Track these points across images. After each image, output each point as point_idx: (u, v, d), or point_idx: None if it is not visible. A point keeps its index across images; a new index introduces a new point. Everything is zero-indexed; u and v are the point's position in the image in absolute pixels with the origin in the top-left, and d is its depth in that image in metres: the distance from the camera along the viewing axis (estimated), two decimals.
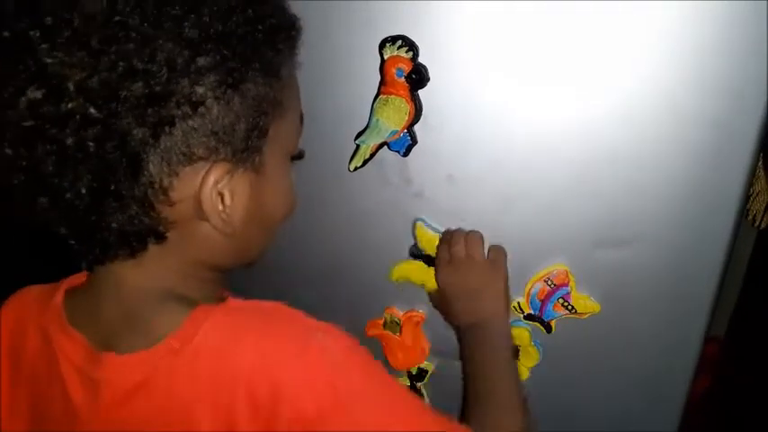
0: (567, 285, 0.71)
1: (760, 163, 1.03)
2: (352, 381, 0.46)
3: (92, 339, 0.50)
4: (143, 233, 0.46)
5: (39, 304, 0.54)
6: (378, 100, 0.68)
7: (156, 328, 0.47)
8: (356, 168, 0.72)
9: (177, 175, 0.43)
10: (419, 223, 0.73)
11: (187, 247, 0.48)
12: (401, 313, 0.78)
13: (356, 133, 0.71)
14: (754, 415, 1.32)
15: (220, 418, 0.45)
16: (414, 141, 0.70)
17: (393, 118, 0.68)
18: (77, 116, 0.40)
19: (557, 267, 0.71)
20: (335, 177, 0.73)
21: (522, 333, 0.74)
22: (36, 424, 0.54)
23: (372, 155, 0.71)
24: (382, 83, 0.67)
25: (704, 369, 0.76)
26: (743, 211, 0.67)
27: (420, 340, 0.79)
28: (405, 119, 0.68)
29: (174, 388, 0.46)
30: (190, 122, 0.42)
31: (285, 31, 0.48)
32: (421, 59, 0.66)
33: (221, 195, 0.46)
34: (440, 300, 0.74)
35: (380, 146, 0.71)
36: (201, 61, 0.42)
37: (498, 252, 0.71)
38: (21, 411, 0.55)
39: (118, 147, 0.41)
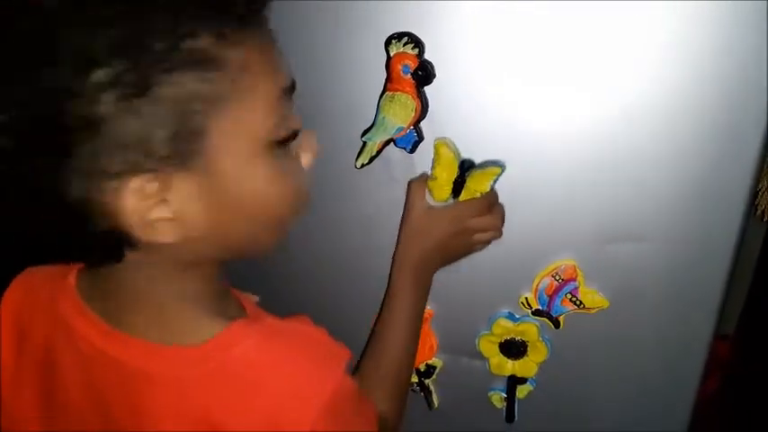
0: (574, 280, 0.71)
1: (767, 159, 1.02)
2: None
3: (103, 315, 0.51)
4: (111, 245, 0.46)
5: (48, 288, 0.55)
6: (384, 97, 0.69)
7: (183, 330, 0.49)
8: (363, 165, 0.72)
9: (102, 191, 0.42)
10: (442, 141, 0.69)
11: (165, 249, 0.46)
12: None
13: (362, 130, 0.71)
14: (765, 413, 1.31)
15: (243, 422, 0.47)
16: (420, 138, 0.70)
17: (399, 115, 0.68)
18: None
19: (564, 262, 0.71)
20: (342, 174, 0.73)
21: (530, 328, 0.74)
22: (49, 406, 0.55)
23: (379, 152, 0.71)
24: (388, 80, 0.68)
25: (714, 369, 0.75)
26: (751, 207, 0.67)
27: (428, 337, 0.79)
28: (411, 115, 0.68)
29: (192, 385, 0.48)
30: (92, 144, 0.40)
31: (218, 18, 0.42)
32: (427, 56, 0.66)
33: (162, 203, 0.44)
34: (419, 217, 0.70)
35: (387, 143, 0.71)
36: (99, 76, 0.39)
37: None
38: (27, 395, 0.56)
39: (33, 177, 0.42)
